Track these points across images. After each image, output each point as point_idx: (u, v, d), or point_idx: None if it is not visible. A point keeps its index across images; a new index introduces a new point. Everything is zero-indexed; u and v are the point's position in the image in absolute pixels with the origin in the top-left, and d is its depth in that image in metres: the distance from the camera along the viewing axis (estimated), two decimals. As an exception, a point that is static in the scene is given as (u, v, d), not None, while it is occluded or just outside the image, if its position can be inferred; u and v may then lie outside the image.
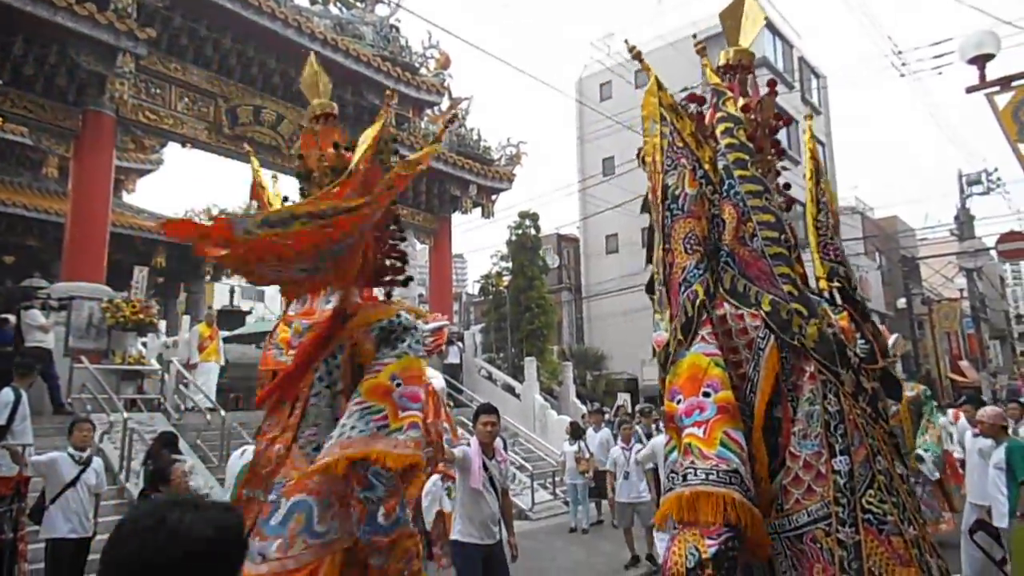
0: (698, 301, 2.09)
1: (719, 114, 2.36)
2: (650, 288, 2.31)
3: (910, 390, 7.35)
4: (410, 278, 2.75)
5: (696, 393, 1.95)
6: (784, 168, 2.63)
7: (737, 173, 2.22)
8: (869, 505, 1.83)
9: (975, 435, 6.62)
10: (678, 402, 2.00)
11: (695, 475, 1.84)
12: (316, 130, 3.14)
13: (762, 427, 2.01)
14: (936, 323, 28.60)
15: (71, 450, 5.60)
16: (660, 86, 2.40)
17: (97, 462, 5.80)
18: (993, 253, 22.56)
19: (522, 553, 5.35)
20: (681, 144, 2.32)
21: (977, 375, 29.78)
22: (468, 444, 4.98)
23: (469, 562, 4.68)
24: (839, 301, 2.44)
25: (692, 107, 2.54)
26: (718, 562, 1.75)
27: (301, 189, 3.08)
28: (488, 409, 5.14)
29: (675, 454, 1.96)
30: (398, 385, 2.29)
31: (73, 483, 5.41)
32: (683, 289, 2.13)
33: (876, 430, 1.99)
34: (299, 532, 2.23)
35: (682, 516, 1.82)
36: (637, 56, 2.59)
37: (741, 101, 2.47)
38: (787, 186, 2.73)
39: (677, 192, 2.24)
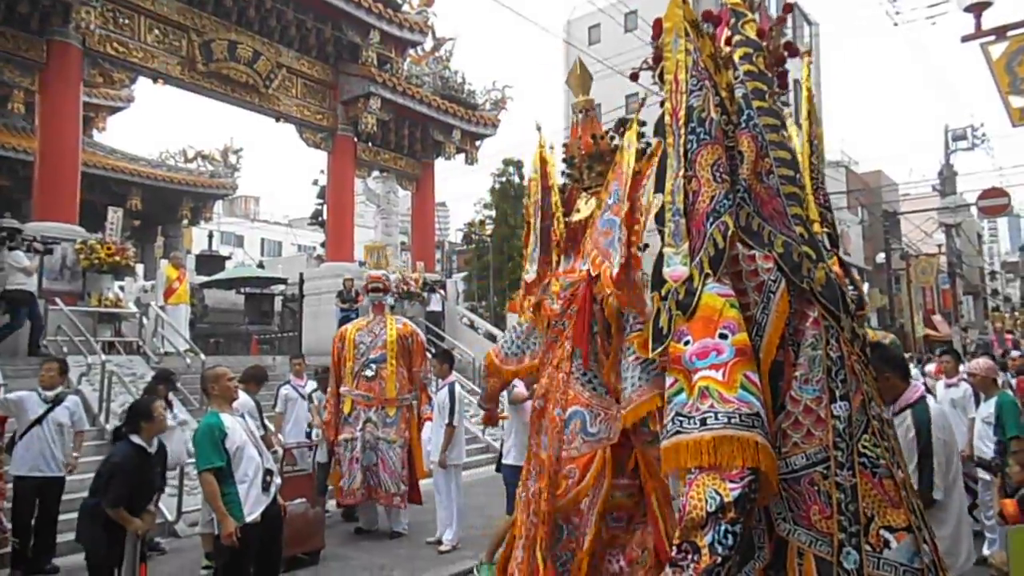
0: (729, 233, 1.97)
1: (737, 37, 2.20)
2: (659, 219, 2.18)
3: (883, 338, 7.47)
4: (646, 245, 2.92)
5: (711, 335, 1.89)
6: (785, 104, 2.52)
7: (756, 104, 2.10)
8: (864, 449, 1.85)
9: (947, 385, 6.77)
10: (686, 343, 1.93)
11: (716, 419, 1.79)
12: (578, 120, 3.60)
13: (768, 372, 1.96)
14: (913, 278, 28.99)
15: (39, 389, 5.57)
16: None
17: (72, 400, 5.74)
18: (973, 209, 22.76)
19: (502, 493, 5.79)
20: (703, 66, 2.16)
21: (949, 330, 30.39)
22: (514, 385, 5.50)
23: None
24: (829, 246, 2.38)
25: (707, 27, 2.36)
26: (740, 505, 1.74)
27: (566, 172, 3.57)
28: None
29: (683, 396, 1.90)
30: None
31: (39, 422, 5.40)
32: (711, 220, 1.99)
33: (868, 375, 1.99)
34: (577, 432, 2.93)
35: (702, 461, 1.78)
36: None
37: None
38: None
39: (704, 115, 2.08)
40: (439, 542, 6.22)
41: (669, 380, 1.98)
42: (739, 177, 2.08)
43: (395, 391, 6.77)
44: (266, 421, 6.85)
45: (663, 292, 2.08)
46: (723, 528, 1.73)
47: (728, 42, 2.29)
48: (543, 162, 3.62)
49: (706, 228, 2.01)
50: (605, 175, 3.22)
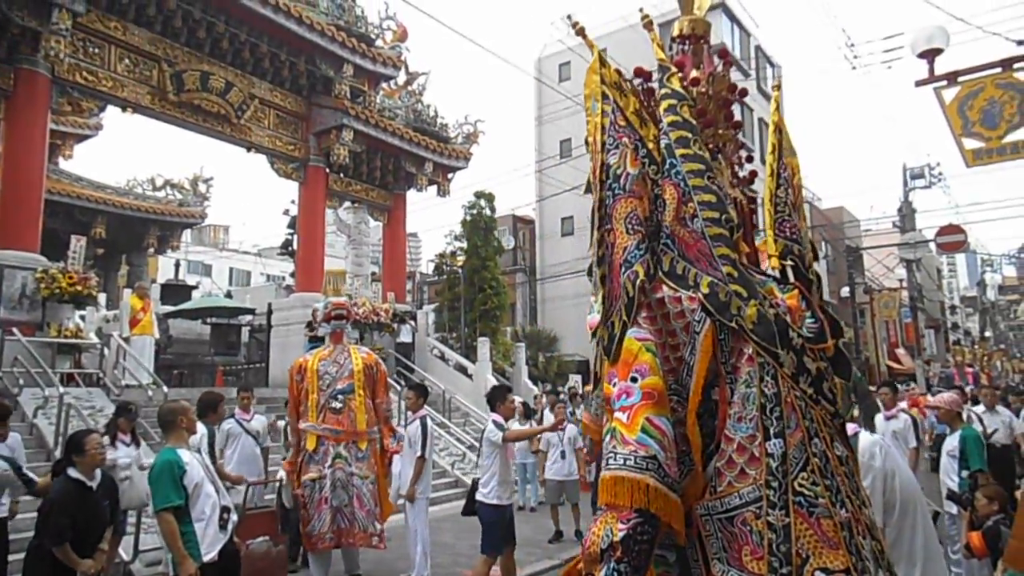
0: (638, 281, 2.06)
1: (662, 91, 2.29)
2: (590, 270, 2.26)
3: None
4: None
5: (626, 378, 1.96)
6: (740, 143, 2.57)
7: (679, 152, 2.15)
8: (801, 488, 1.82)
9: (887, 418, 6.89)
10: (614, 385, 2.00)
11: (615, 459, 1.86)
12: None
13: (698, 411, 1.99)
14: (876, 312, 29.62)
15: None
16: (603, 63, 2.32)
17: (13, 439, 5.34)
18: (932, 245, 23.43)
19: (470, 529, 5.71)
20: (623, 123, 2.26)
21: (912, 362, 31.00)
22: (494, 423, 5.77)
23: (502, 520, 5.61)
24: (791, 279, 2.37)
25: (638, 82, 2.46)
26: (626, 545, 1.78)
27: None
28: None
29: (607, 437, 1.96)
30: None
31: None
32: (624, 269, 2.09)
33: (817, 411, 1.96)
34: None
35: (604, 498, 1.85)
36: (580, 32, 2.49)
37: (694, 73, 2.40)
38: (750, 158, 2.65)
39: (619, 171, 2.18)
40: None
41: (604, 419, 2.05)
42: (662, 224, 2.14)
43: (365, 424, 6.40)
44: (216, 453, 6.49)
45: (592, 338, 2.20)
46: (611, 566, 1.78)
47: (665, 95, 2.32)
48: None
49: (621, 277, 2.09)
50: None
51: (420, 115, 16.12)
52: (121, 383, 10.32)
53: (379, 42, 15.09)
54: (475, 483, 5.84)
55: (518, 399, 12.88)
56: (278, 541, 5.87)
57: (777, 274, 2.35)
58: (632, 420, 1.87)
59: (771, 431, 1.88)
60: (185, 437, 3.94)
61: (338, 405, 6.35)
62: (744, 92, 2.62)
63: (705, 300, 2.01)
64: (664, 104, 2.25)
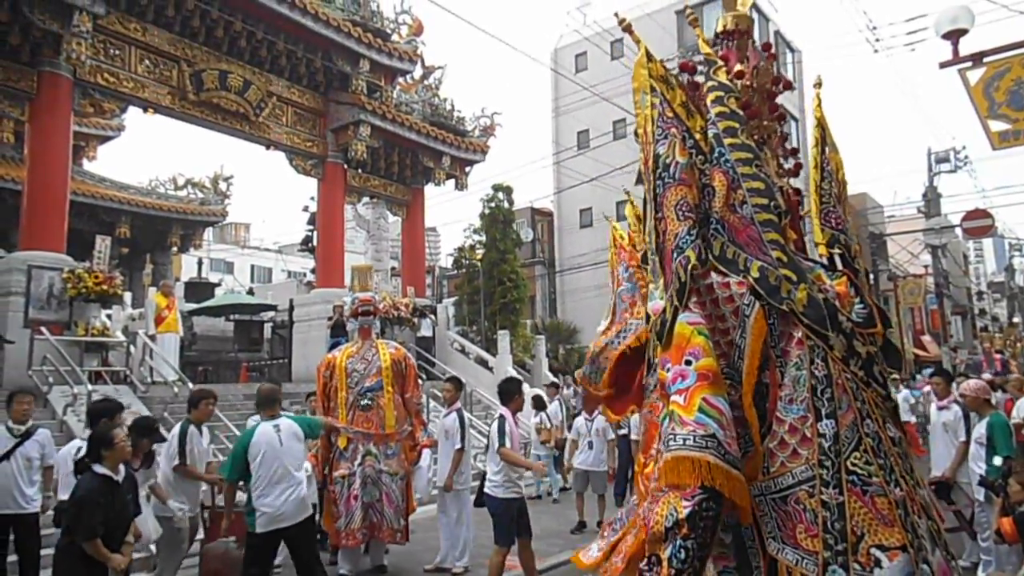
0: (690, 266, 2.10)
1: (709, 83, 2.37)
2: (644, 259, 2.33)
3: None
4: None
5: (680, 362, 2.00)
6: (782, 133, 2.62)
7: (727, 141, 2.22)
8: (854, 467, 1.85)
9: (939, 408, 6.69)
10: (667, 370, 2.06)
11: (675, 441, 1.91)
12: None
13: (752, 393, 2.05)
14: (901, 299, 29.17)
15: (10, 423, 5.40)
16: (650, 57, 2.40)
17: (42, 434, 5.56)
18: (958, 230, 23.01)
19: (489, 520, 5.65)
20: (671, 114, 2.33)
21: (939, 350, 30.52)
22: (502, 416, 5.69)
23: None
24: (840, 266, 2.41)
25: (684, 76, 2.55)
26: (692, 522, 1.82)
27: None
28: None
29: (666, 421, 2.01)
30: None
31: (6, 457, 5.23)
32: (676, 255, 2.14)
33: (868, 394, 1.99)
34: None
35: (666, 479, 1.90)
36: (627, 28, 2.55)
37: (738, 67, 2.47)
38: (795, 151, 2.70)
39: (668, 161, 2.26)
40: (441, 570, 6.12)
41: (660, 405, 2.09)
42: (711, 211, 2.19)
43: (394, 422, 6.36)
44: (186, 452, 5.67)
45: (649, 325, 2.19)
46: (678, 543, 1.83)
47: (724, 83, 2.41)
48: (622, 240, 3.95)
49: (673, 263, 2.14)
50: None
51: (437, 109, 16.12)
52: (148, 380, 10.50)
53: (395, 36, 15.10)
54: (483, 476, 5.85)
55: (534, 391, 13.04)
56: (241, 544, 5.24)
57: (825, 261, 2.40)
58: (689, 401, 1.93)
59: (823, 412, 1.91)
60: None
61: (367, 403, 6.31)
62: (789, 85, 2.67)
63: (756, 284, 2.06)
64: (711, 96, 2.32)
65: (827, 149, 2.62)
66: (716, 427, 1.89)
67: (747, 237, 2.12)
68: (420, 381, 7.02)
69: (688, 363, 1.99)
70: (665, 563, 1.83)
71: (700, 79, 2.52)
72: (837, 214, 2.47)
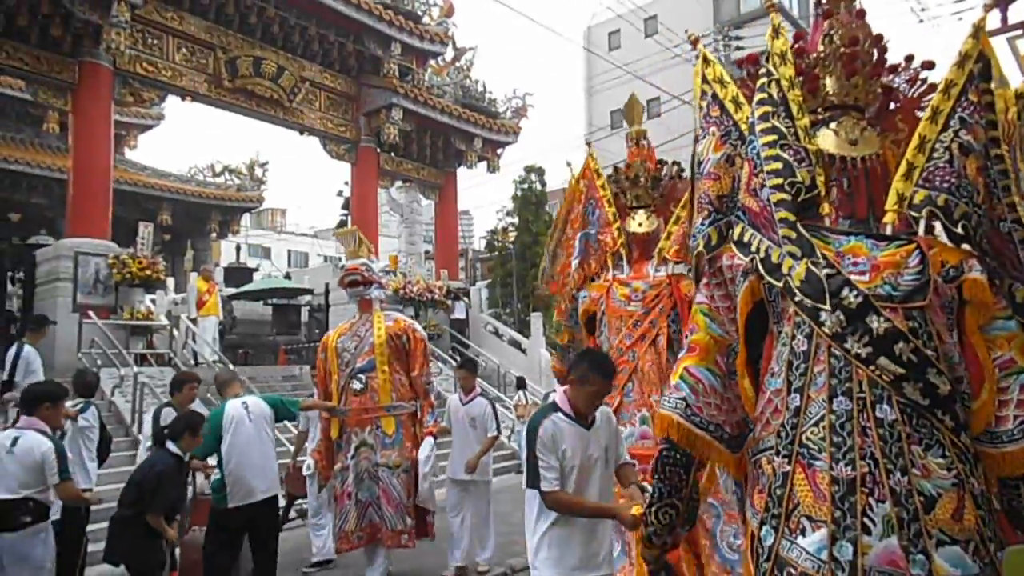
0: (695, 253, 2.33)
1: (760, 72, 2.42)
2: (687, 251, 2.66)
3: None
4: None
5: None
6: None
7: (759, 128, 2.25)
8: (807, 441, 1.93)
9: None
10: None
11: (662, 401, 2.28)
12: (634, 146, 4.48)
13: (744, 365, 2.20)
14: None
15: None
16: (707, 61, 2.53)
17: (92, 412, 5.37)
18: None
19: (513, 501, 5.57)
20: (716, 112, 2.46)
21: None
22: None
23: None
24: (921, 232, 2.05)
25: (747, 69, 2.60)
26: (656, 465, 2.24)
27: (623, 189, 4.32)
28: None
29: None
30: None
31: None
32: (691, 244, 2.38)
33: (864, 372, 1.88)
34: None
35: (655, 433, 2.37)
36: (695, 43, 2.64)
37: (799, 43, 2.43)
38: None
39: (702, 158, 2.43)
40: (464, 570, 5.60)
41: None
42: (737, 199, 2.30)
43: (390, 401, 5.41)
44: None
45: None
46: (654, 483, 2.25)
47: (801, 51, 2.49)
48: (596, 174, 4.31)
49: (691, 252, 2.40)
50: (663, 197, 4.18)
51: (468, 91, 16.09)
52: (190, 362, 10.81)
53: (426, 19, 15.09)
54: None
55: (516, 372, 13.47)
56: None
57: (885, 230, 2.11)
58: (675, 369, 2.26)
59: (793, 386, 2.00)
60: None
61: (359, 386, 5.40)
62: (880, 38, 2.35)
63: (760, 264, 2.11)
64: (758, 84, 2.37)
65: (970, 91, 2.17)
66: (688, 391, 2.18)
67: (763, 219, 2.18)
68: (430, 357, 5.98)
69: (687, 337, 2.31)
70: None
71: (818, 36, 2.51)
72: (950, 170, 2.09)
